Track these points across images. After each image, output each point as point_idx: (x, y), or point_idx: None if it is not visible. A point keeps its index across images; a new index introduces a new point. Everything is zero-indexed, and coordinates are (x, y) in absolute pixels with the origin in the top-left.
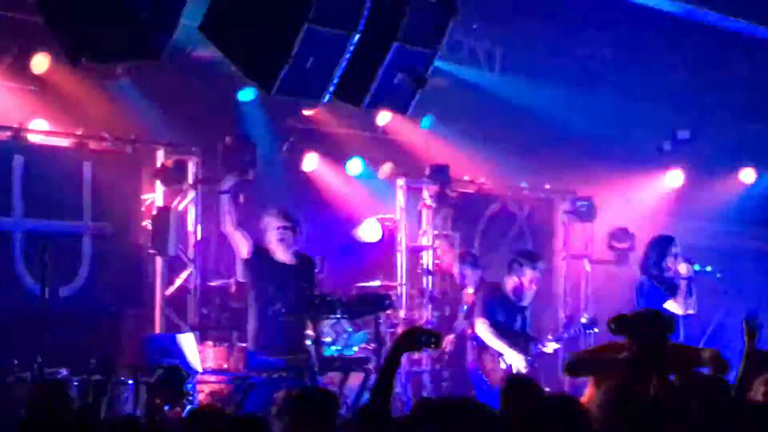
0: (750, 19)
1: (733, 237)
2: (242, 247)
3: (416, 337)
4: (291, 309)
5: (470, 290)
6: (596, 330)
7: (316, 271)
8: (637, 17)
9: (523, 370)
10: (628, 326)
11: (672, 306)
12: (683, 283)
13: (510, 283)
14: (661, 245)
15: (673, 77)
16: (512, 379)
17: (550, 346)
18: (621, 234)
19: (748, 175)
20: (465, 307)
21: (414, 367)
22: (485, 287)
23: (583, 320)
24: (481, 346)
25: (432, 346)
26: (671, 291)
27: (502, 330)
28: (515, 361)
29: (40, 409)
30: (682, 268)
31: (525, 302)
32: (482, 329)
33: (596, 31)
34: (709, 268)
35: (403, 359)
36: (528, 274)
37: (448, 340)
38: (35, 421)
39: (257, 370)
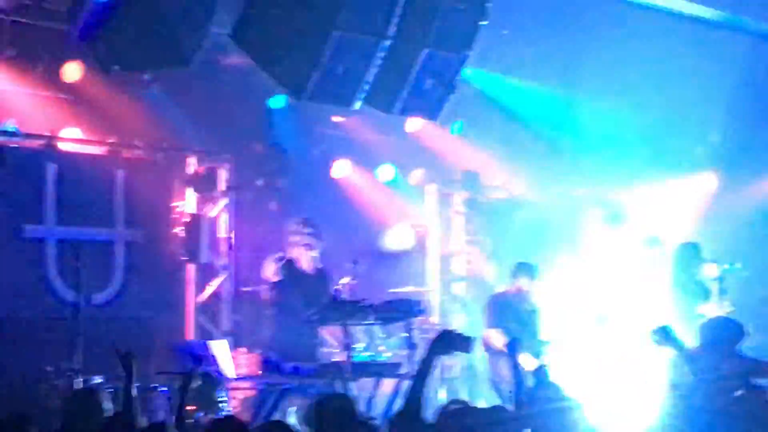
0: None
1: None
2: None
3: (449, 341)
4: (323, 316)
5: None
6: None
7: (351, 277)
8: (668, 22)
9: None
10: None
11: (707, 309)
12: (714, 285)
13: (513, 289)
14: (686, 252)
15: (704, 80)
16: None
17: None
18: (653, 239)
19: None
20: None
21: (444, 374)
22: (490, 297)
23: (597, 316)
24: (496, 355)
25: (464, 350)
26: (704, 295)
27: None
28: (528, 365)
29: (74, 417)
30: (711, 270)
31: (531, 307)
32: (494, 338)
33: (627, 37)
34: (738, 265)
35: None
36: (525, 283)
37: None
38: (70, 429)
39: (289, 376)
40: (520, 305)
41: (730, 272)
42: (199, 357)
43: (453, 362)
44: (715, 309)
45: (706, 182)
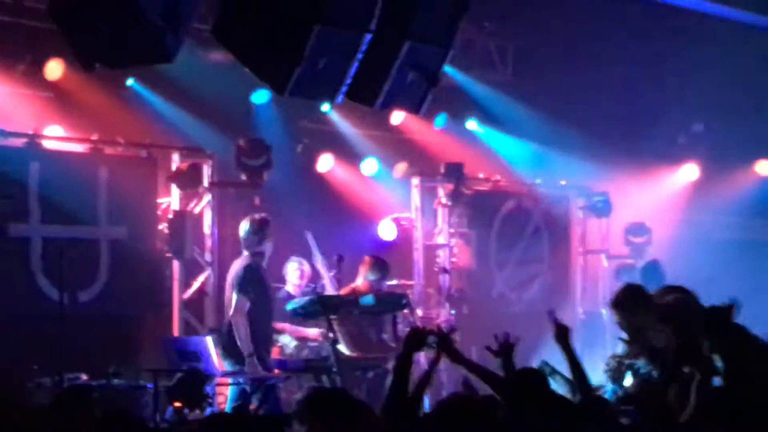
0: (763, 11)
1: (750, 230)
2: None
3: (421, 338)
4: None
5: None
6: None
7: (335, 272)
8: (650, 12)
9: None
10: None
11: None
12: None
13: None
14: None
15: (686, 71)
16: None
17: None
18: (638, 228)
19: (764, 167)
20: None
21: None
22: None
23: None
24: None
25: (435, 345)
26: None
27: None
28: None
29: (61, 416)
30: None
31: None
32: None
33: (609, 26)
34: None
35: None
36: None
37: None
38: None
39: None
40: None
41: None
42: (186, 353)
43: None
44: None
45: (689, 172)
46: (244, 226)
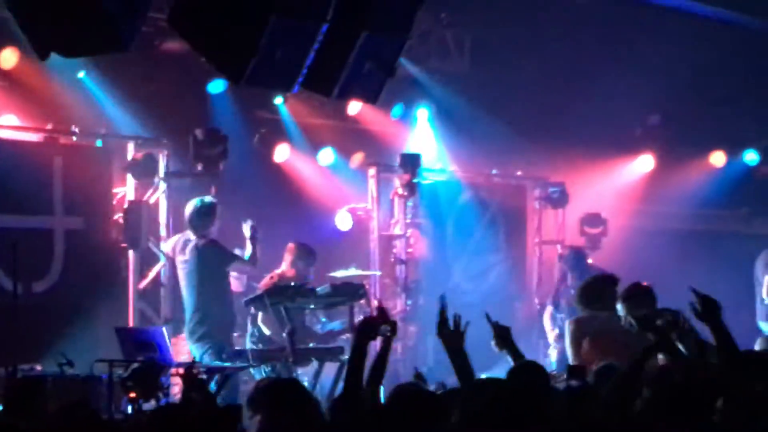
0: (714, 5)
1: (705, 220)
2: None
3: (372, 327)
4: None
5: None
6: None
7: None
8: (609, 4)
9: None
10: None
11: None
12: None
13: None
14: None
15: (643, 63)
16: None
17: None
18: (593, 219)
19: (718, 159)
20: None
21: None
22: None
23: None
24: None
25: (388, 334)
26: None
27: None
28: None
29: (15, 407)
30: None
31: None
32: None
33: (567, 17)
34: None
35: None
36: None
37: None
38: (10, 419)
39: (231, 361)
40: None
41: None
42: (141, 344)
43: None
44: None
45: (645, 164)
46: (189, 207)
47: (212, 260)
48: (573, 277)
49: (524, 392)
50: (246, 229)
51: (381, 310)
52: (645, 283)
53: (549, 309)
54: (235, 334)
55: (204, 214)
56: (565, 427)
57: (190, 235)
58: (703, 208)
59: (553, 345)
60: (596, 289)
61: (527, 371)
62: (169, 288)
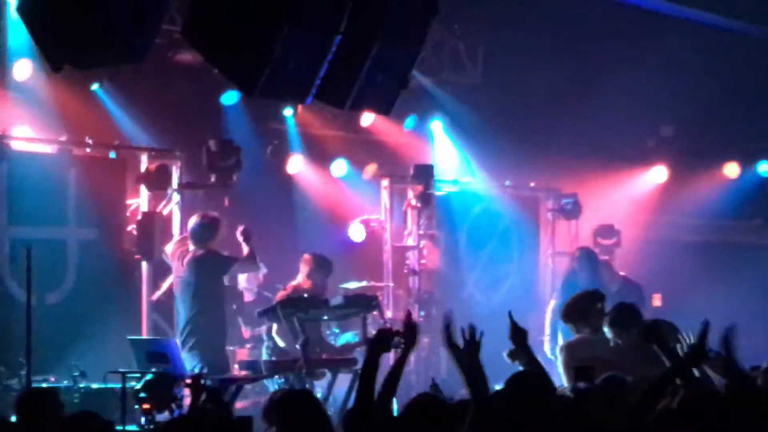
0: (728, 15)
1: (718, 231)
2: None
3: (386, 339)
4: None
5: None
6: None
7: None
8: (621, 14)
9: None
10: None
11: None
12: None
13: None
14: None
15: (656, 74)
16: None
17: None
18: (606, 230)
19: (731, 170)
20: None
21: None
22: None
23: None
24: None
25: (401, 347)
26: None
27: None
28: None
29: (28, 418)
30: None
31: None
32: None
33: (580, 29)
34: None
35: None
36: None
37: None
38: (23, 430)
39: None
40: None
41: None
42: (155, 355)
43: None
44: None
45: (658, 175)
46: (193, 220)
47: (210, 270)
48: (583, 277)
49: (524, 402)
50: (238, 233)
51: (408, 323)
52: (628, 303)
53: (552, 303)
54: (229, 348)
55: (207, 227)
56: (567, 427)
57: (190, 245)
58: (717, 219)
59: (548, 338)
60: (581, 307)
61: (527, 380)
62: None
